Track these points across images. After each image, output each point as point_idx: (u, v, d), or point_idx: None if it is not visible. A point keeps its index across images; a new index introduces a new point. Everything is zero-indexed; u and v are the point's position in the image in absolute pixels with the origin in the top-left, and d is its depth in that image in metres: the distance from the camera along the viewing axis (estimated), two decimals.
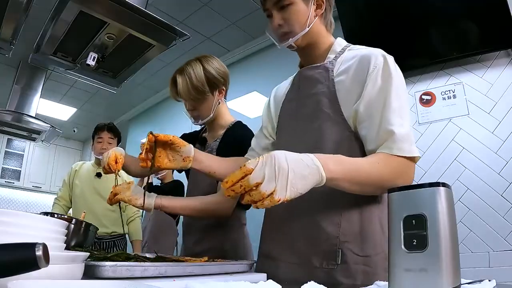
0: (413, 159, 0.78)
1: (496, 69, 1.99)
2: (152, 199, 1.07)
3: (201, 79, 1.23)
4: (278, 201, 0.58)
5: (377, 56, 0.84)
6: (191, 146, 0.97)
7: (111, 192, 1.07)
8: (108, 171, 1.15)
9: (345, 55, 0.91)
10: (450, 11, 2.02)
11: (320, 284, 0.57)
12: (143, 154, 0.91)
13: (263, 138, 1.10)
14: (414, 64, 2.20)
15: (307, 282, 0.56)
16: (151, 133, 0.90)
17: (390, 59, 0.84)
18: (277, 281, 0.60)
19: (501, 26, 1.86)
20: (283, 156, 0.60)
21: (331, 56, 0.94)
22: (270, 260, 0.92)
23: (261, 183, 0.57)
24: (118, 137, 2.49)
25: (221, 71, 1.29)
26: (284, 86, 1.09)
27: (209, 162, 1.00)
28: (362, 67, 0.84)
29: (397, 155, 0.76)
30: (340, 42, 0.96)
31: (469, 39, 2.01)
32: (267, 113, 1.11)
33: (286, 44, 0.92)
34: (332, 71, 0.90)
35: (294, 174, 0.59)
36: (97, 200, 2.33)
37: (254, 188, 0.58)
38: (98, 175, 2.41)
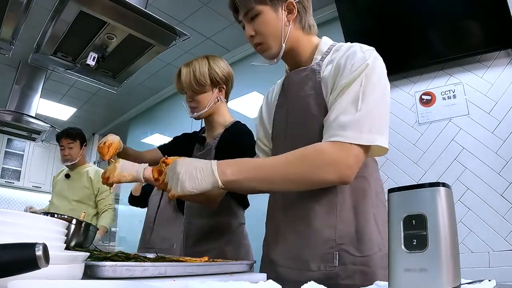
0: (364, 148, 0.74)
1: (496, 69, 1.98)
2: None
3: (204, 73, 1.31)
4: (173, 195, 0.78)
5: (355, 52, 0.82)
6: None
7: (104, 176, 1.12)
8: (102, 157, 1.19)
9: (332, 56, 0.89)
10: (450, 11, 2.02)
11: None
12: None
13: (260, 151, 1.10)
14: (414, 64, 2.20)
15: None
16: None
17: (368, 51, 0.82)
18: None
19: (501, 26, 1.86)
20: (181, 163, 0.78)
21: (317, 57, 0.92)
22: (272, 265, 0.92)
23: (167, 182, 0.81)
24: (79, 138, 2.48)
25: (225, 70, 1.36)
26: (274, 90, 1.09)
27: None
28: (340, 66, 0.83)
29: (341, 141, 0.74)
30: (326, 41, 0.94)
31: (469, 39, 2.01)
32: (260, 122, 1.10)
33: (271, 63, 0.95)
34: (319, 72, 0.88)
35: (184, 177, 0.76)
36: (61, 201, 2.37)
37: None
38: (67, 176, 2.45)
